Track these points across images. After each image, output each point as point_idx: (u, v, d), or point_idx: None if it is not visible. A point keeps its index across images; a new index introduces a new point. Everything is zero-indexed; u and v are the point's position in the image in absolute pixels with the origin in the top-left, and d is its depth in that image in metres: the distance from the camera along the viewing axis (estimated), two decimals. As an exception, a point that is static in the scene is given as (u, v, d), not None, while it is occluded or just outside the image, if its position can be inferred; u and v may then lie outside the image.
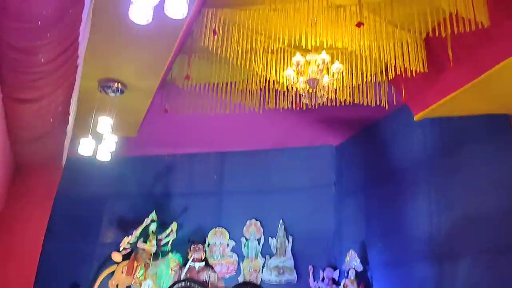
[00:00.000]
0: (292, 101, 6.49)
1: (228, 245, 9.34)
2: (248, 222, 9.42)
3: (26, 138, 6.10)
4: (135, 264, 8.78)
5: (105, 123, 6.54)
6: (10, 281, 6.91)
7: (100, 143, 6.80)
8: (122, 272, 8.80)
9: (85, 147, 6.66)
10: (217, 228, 9.44)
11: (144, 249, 8.77)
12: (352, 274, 7.85)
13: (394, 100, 6.46)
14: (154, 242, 8.81)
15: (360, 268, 7.88)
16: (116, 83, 6.32)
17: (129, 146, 8.42)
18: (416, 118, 6.46)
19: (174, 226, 9.04)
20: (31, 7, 3.26)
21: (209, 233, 9.36)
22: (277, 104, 6.60)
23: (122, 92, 6.46)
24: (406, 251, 7.31)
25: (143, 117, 7.54)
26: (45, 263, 7.68)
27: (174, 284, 6.82)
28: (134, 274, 8.70)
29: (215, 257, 9.19)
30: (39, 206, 7.46)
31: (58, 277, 8.63)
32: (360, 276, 7.91)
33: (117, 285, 8.79)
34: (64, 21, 3.56)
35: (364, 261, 7.99)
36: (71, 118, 6.01)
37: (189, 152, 9.86)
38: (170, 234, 9.00)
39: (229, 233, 9.41)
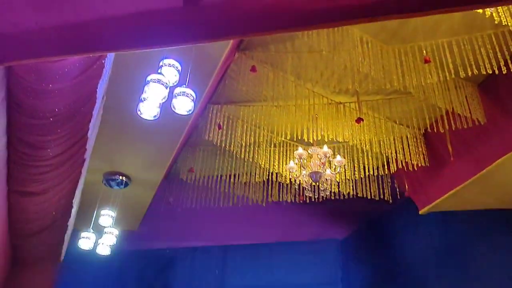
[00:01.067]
0: (295, 194, 6.50)
1: None
2: (250, 322, 8.92)
3: (26, 232, 5.99)
4: None
5: (107, 216, 6.49)
6: None
7: (100, 236, 6.69)
8: None
9: (86, 241, 6.54)
10: (218, 329, 8.93)
11: None
12: None
13: (398, 194, 6.45)
14: None
15: None
16: (120, 176, 6.38)
17: (130, 239, 8.25)
18: (421, 212, 6.39)
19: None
20: (44, 105, 3.34)
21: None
22: (280, 197, 6.60)
23: (126, 185, 6.50)
24: None
25: (146, 210, 7.49)
26: None
27: None
28: None
29: None
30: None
31: None
32: None
33: None
34: (75, 117, 3.67)
35: None
36: (73, 211, 5.97)
37: (191, 246, 9.63)
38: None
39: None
